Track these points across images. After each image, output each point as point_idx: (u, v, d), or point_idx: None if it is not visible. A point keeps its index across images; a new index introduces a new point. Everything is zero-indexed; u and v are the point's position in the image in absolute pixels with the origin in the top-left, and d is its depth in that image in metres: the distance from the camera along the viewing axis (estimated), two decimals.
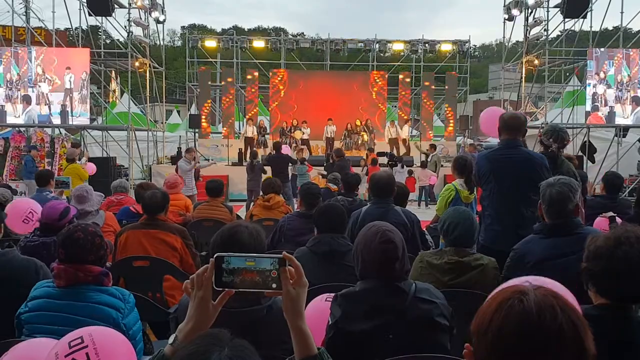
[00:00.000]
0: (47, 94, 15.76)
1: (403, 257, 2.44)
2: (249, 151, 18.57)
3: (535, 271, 3.02)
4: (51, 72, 15.80)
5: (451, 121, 23.97)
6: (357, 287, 2.46)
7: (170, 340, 1.50)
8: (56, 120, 15.94)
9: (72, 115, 15.87)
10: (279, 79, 24.23)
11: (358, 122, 20.81)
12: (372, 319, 2.33)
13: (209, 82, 24.58)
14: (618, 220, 4.65)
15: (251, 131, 19.64)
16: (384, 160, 15.89)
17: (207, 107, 23.45)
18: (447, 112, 24.44)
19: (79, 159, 12.84)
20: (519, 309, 1.20)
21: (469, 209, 5.45)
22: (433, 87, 25.07)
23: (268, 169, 12.93)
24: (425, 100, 24.39)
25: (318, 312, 2.58)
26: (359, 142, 20.12)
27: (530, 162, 4.16)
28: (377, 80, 24.39)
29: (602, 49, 16.44)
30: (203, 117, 22.19)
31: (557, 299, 1.22)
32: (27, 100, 15.67)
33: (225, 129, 23.20)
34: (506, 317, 1.20)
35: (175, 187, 7.08)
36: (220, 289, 1.47)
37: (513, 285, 1.29)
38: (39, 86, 15.73)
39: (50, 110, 15.80)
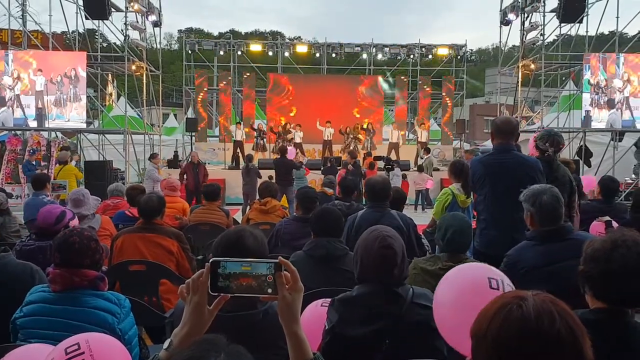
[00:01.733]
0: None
1: (402, 263, 2.44)
2: (239, 153, 18.67)
3: (529, 278, 3.03)
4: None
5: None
6: (354, 292, 2.45)
7: (165, 345, 1.49)
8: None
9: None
10: (275, 82, 24.28)
11: (353, 127, 20.79)
12: (369, 324, 2.33)
13: (206, 86, 24.60)
14: (614, 224, 4.65)
15: (240, 134, 19.70)
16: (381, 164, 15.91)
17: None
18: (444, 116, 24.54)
19: (71, 161, 12.85)
20: (517, 314, 1.20)
21: (465, 213, 5.46)
22: (430, 91, 25.13)
23: (264, 172, 12.95)
24: (421, 104, 24.47)
25: (314, 317, 2.58)
26: (350, 145, 20.10)
27: (523, 166, 4.17)
28: (374, 84, 24.44)
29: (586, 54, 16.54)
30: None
31: (555, 304, 1.22)
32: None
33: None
34: (505, 322, 1.20)
35: (175, 190, 7.07)
36: (216, 294, 1.46)
37: (512, 291, 1.29)
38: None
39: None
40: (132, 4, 17.65)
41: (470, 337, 1.28)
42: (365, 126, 20.17)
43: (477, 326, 1.27)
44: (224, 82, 24.17)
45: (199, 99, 23.80)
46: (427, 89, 24.86)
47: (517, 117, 17.00)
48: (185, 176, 13.03)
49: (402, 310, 2.35)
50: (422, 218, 11.42)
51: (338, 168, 14.57)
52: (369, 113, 23.63)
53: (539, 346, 1.17)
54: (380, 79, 25.19)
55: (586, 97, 16.18)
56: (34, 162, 14.16)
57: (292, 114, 23.29)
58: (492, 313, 1.25)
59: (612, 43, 17.22)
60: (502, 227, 4.08)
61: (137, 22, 18.61)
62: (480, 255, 3.80)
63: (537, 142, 4.73)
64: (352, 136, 19.96)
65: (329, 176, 10.01)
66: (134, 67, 18.25)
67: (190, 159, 14.01)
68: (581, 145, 16.72)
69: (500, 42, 21.26)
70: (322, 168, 15.53)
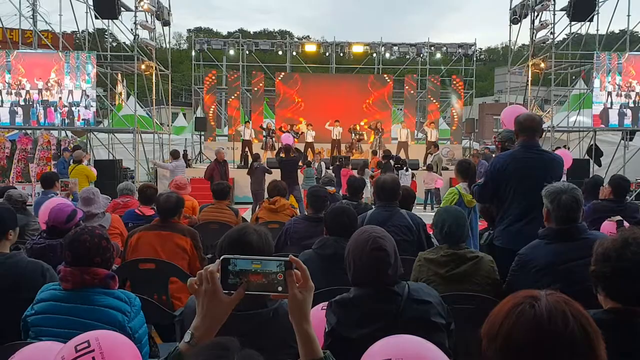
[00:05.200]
0: None
1: (395, 263, 2.42)
2: (247, 153, 18.67)
3: (540, 276, 3.01)
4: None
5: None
6: (350, 294, 2.42)
7: (187, 338, 1.47)
8: None
9: None
10: (284, 81, 24.28)
11: (361, 124, 20.79)
12: (367, 325, 2.30)
13: (215, 86, 24.65)
14: (625, 224, 4.61)
15: (249, 134, 19.72)
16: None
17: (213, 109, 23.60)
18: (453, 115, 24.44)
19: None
20: (530, 315, 1.19)
21: (472, 213, 5.46)
22: (439, 90, 25.05)
23: (273, 170, 12.95)
24: (430, 103, 24.40)
25: (316, 320, 2.56)
26: (358, 144, 20.12)
27: (551, 163, 4.20)
28: (383, 83, 24.38)
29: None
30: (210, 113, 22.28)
31: (569, 305, 1.20)
32: None
33: (231, 129, 23.27)
34: (517, 322, 1.19)
35: (183, 189, 7.08)
36: (227, 291, 1.45)
37: (525, 290, 1.27)
38: None
39: None
40: (141, 3, 17.70)
41: (482, 338, 1.27)
42: (375, 125, 20.16)
43: (488, 326, 1.25)
44: (233, 82, 24.21)
45: (208, 98, 23.85)
46: (436, 88, 24.77)
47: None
48: (212, 175, 12.81)
49: (400, 308, 2.33)
50: (431, 217, 11.37)
51: (351, 168, 14.59)
52: (378, 112, 23.55)
53: (552, 347, 1.15)
54: (388, 78, 25.11)
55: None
56: (67, 160, 14.11)
57: (300, 115, 23.33)
58: (504, 313, 1.23)
59: (622, 41, 17.10)
60: (527, 224, 4.05)
61: (147, 21, 18.65)
62: (505, 253, 3.77)
63: (504, 144, 4.87)
64: (356, 135, 19.95)
65: (328, 173, 10.01)
66: (143, 67, 18.29)
67: (216, 157, 13.71)
68: (591, 145, 16.62)
69: (509, 41, 21.18)
70: (330, 167, 15.56)
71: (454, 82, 24.91)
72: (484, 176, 4.48)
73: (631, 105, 16.05)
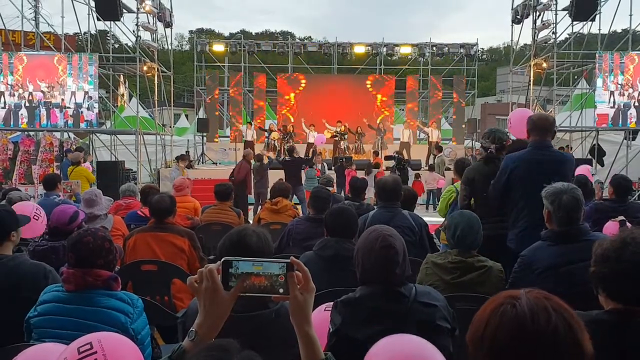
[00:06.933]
0: None
1: (404, 262, 2.42)
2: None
3: (543, 278, 3.00)
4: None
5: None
6: (357, 293, 2.43)
7: (191, 335, 1.47)
8: None
9: None
10: (286, 82, 24.30)
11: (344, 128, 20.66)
12: (373, 325, 2.30)
13: (217, 86, 24.65)
14: (628, 224, 4.60)
15: (251, 135, 19.72)
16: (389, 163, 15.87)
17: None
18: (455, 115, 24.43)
19: (84, 162, 12.89)
20: (512, 315, 1.20)
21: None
22: (441, 90, 25.04)
23: (276, 172, 12.92)
24: (433, 103, 24.39)
25: (318, 321, 2.56)
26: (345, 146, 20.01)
27: (564, 164, 4.16)
28: (385, 84, 24.38)
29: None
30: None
31: (550, 300, 1.22)
32: None
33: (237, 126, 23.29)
34: (500, 323, 1.20)
35: (183, 190, 7.08)
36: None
37: (505, 291, 1.29)
38: None
39: None
40: (143, 4, 17.71)
41: (468, 344, 1.28)
42: (377, 126, 20.14)
43: (472, 331, 1.26)
44: (235, 83, 24.24)
45: (210, 100, 23.86)
46: (438, 88, 24.77)
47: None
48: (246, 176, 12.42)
49: (406, 309, 2.33)
50: (434, 218, 11.37)
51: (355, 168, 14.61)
52: (380, 113, 23.56)
53: (537, 344, 1.16)
54: (390, 78, 25.12)
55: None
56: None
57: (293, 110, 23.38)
58: (486, 316, 1.24)
59: (625, 41, 17.07)
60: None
61: (149, 23, 18.65)
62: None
63: (481, 140, 4.76)
64: (339, 137, 19.78)
65: (326, 175, 10.01)
66: (145, 68, 18.28)
67: (246, 158, 13.02)
68: (594, 144, 16.59)
69: (512, 40, 21.16)
70: (332, 168, 15.56)
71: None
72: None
73: (636, 104, 15.97)
